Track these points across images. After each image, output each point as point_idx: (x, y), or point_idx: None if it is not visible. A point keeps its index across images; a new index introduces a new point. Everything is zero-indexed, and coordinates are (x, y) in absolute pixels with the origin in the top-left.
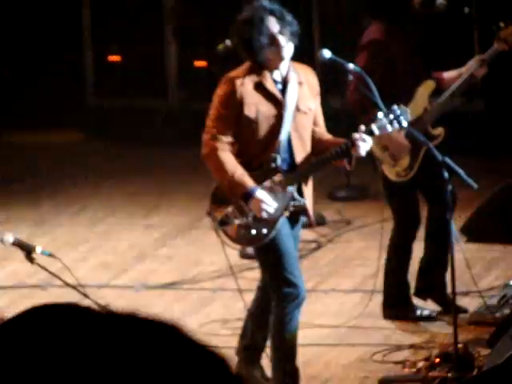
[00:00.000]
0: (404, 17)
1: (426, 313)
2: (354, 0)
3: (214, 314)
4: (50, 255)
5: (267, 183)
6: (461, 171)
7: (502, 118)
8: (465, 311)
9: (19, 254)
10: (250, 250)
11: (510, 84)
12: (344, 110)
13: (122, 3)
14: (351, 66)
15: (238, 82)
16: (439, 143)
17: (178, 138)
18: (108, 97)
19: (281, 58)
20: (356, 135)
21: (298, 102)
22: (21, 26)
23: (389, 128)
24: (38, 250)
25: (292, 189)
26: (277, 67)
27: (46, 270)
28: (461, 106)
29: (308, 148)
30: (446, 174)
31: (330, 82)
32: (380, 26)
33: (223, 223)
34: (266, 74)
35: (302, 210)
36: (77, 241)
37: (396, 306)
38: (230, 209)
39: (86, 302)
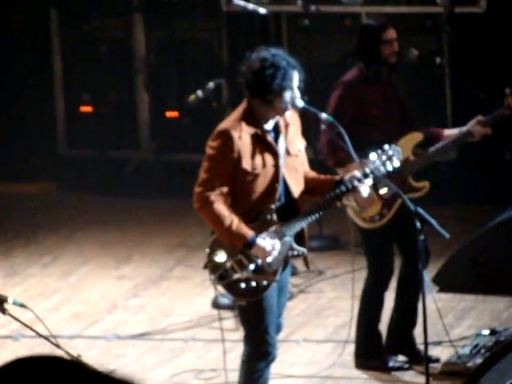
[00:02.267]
0: (375, 63)
1: (397, 364)
2: (326, 51)
3: (186, 364)
4: (22, 306)
5: (264, 235)
6: (433, 221)
7: (474, 167)
8: (436, 361)
9: None
10: (222, 300)
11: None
12: (316, 159)
13: (93, 53)
14: (324, 115)
15: (235, 134)
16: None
17: (151, 188)
18: (80, 147)
19: (283, 112)
20: (355, 181)
21: (288, 146)
22: None
23: (382, 169)
24: (10, 300)
25: (290, 239)
26: (273, 118)
27: (18, 320)
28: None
29: (302, 192)
30: (419, 224)
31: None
32: (358, 69)
33: (222, 278)
34: (260, 123)
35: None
36: (49, 291)
37: (368, 356)
38: (228, 263)
39: (57, 353)
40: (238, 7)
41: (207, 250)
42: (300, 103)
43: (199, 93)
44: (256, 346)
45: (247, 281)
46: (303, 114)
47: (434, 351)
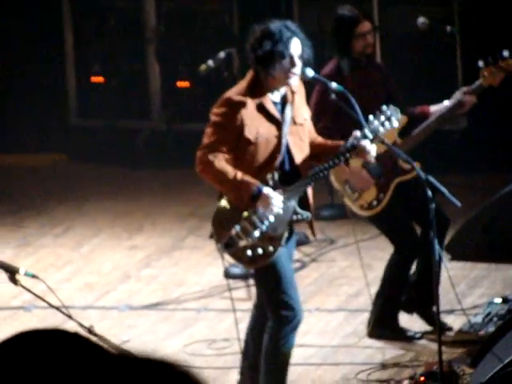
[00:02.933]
0: (348, 57)
1: (410, 334)
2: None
3: (199, 334)
4: (34, 276)
5: None
6: (444, 189)
7: (485, 135)
8: (449, 329)
9: (3, 276)
10: (234, 269)
11: (493, 100)
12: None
13: (103, 25)
14: (334, 84)
15: (240, 103)
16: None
17: (162, 158)
18: (91, 118)
19: (287, 81)
20: (361, 143)
21: (294, 115)
22: (2, 49)
23: (381, 129)
24: (22, 271)
25: (294, 203)
26: (278, 88)
27: (30, 291)
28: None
29: (307, 158)
30: (430, 193)
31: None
32: (335, 61)
33: (228, 246)
34: (265, 94)
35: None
36: (61, 262)
37: (382, 326)
38: (233, 230)
39: (69, 324)
40: None
41: (212, 220)
42: (310, 73)
43: (210, 62)
44: (278, 310)
45: (253, 247)
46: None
47: (446, 319)
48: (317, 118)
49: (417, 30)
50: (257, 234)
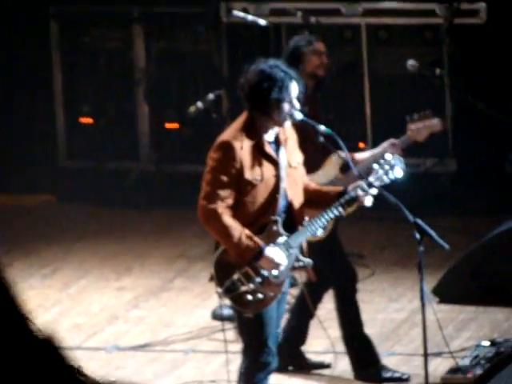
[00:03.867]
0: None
1: (396, 375)
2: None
3: (186, 375)
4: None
5: (271, 246)
6: (432, 232)
7: (474, 179)
8: (328, 366)
9: None
10: (222, 311)
11: (482, 142)
12: None
13: (93, 65)
14: (322, 127)
15: (237, 145)
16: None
17: (151, 199)
18: (80, 159)
19: (282, 123)
20: (360, 192)
21: (289, 158)
22: None
23: (385, 179)
24: None
25: (296, 250)
26: (273, 129)
27: None
28: (433, 167)
29: (303, 204)
30: (418, 235)
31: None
32: None
33: (229, 290)
34: (260, 134)
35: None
36: (49, 303)
37: (365, 365)
38: (236, 276)
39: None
40: (238, 19)
41: (213, 267)
42: (299, 116)
43: (199, 104)
44: (255, 357)
45: (254, 293)
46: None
47: (433, 362)
48: None
49: (406, 72)
50: (258, 280)
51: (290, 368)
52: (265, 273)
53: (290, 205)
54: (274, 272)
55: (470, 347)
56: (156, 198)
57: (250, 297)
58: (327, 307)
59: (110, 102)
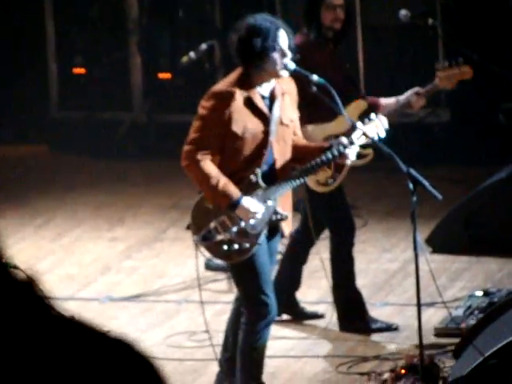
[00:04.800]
0: (316, 29)
1: (383, 325)
2: None
3: (179, 326)
4: (15, 267)
5: (249, 197)
6: (425, 182)
7: (467, 128)
8: (321, 316)
9: None
10: (216, 261)
11: (475, 92)
12: None
13: (85, 16)
14: (315, 77)
15: (229, 96)
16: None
17: (143, 149)
18: (73, 109)
19: (277, 74)
20: (342, 148)
21: (281, 114)
22: None
23: (367, 137)
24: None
25: (274, 203)
26: (268, 81)
27: None
28: (426, 117)
29: (288, 159)
30: (411, 185)
31: None
32: (302, 34)
33: (205, 238)
34: (254, 88)
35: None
36: (41, 253)
37: (352, 318)
38: (212, 224)
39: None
40: None
41: (191, 211)
42: (291, 65)
43: (192, 54)
44: (252, 306)
45: (230, 243)
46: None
47: (426, 312)
48: None
49: (398, 22)
50: (235, 229)
51: (285, 316)
52: (241, 223)
53: (274, 160)
54: (251, 222)
55: (463, 297)
56: (148, 148)
57: (225, 246)
58: (321, 257)
59: (102, 52)
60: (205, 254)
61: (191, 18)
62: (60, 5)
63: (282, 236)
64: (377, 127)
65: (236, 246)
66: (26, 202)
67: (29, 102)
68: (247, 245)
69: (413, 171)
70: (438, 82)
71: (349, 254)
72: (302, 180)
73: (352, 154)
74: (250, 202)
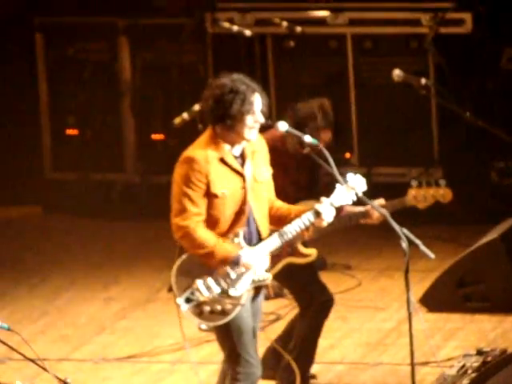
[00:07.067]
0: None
1: None
2: (312, 72)
3: None
4: (9, 329)
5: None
6: (419, 242)
7: (460, 187)
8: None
9: None
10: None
11: (468, 151)
12: None
13: (79, 76)
14: (308, 138)
15: (202, 159)
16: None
17: (137, 210)
18: (66, 170)
19: (248, 137)
20: (321, 208)
21: (255, 172)
22: None
23: (347, 199)
24: None
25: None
26: (238, 143)
27: (5, 343)
28: (419, 176)
29: (267, 217)
30: (404, 245)
31: None
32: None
33: (188, 300)
34: (225, 148)
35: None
36: (36, 314)
37: None
38: (195, 285)
39: (45, 376)
40: (224, 29)
41: (173, 275)
42: (283, 126)
43: (185, 115)
44: (237, 367)
45: (212, 304)
46: None
47: (421, 372)
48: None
49: (392, 81)
50: (217, 290)
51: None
52: (224, 284)
53: (254, 219)
54: (257, 270)
55: (457, 357)
56: (142, 208)
57: (207, 308)
58: None
59: (95, 113)
60: (187, 317)
61: (184, 79)
62: (53, 65)
63: (269, 297)
64: (353, 189)
65: (218, 308)
66: (20, 262)
67: (22, 164)
68: (229, 306)
69: (406, 231)
70: (408, 199)
71: (319, 327)
72: (282, 241)
73: (329, 215)
74: (249, 256)
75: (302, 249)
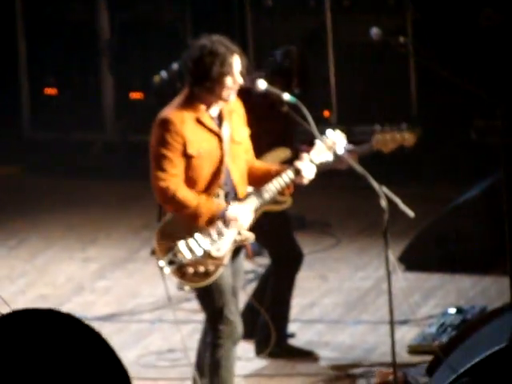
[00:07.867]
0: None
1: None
2: (290, 30)
3: (153, 345)
4: None
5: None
6: (398, 200)
7: (439, 145)
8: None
9: None
10: None
11: (447, 109)
12: None
13: (57, 36)
14: (286, 96)
15: (178, 120)
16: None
17: (116, 170)
18: (45, 130)
19: (226, 98)
20: (300, 165)
21: (232, 133)
22: None
23: (327, 155)
24: None
25: None
26: (216, 103)
27: None
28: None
29: (246, 178)
30: (384, 203)
31: None
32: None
33: (171, 262)
34: (202, 109)
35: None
36: (15, 274)
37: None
38: (177, 247)
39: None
40: None
41: (155, 237)
42: (262, 85)
43: (163, 74)
44: (218, 326)
45: (195, 265)
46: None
47: (400, 330)
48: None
49: (370, 40)
50: (200, 252)
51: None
52: (205, 246)
53: (232, 179)
54: (244, 225)
55: (437, 315)
56: (121, 168)
57: (190, 269)
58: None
59: (74, 72)
60: (170, 278)
61: (162, 38)
62: (32, 25)
63: (249, 257)
64: (333, 144)
65: (202, 269)
66: None
67: (1, 124)
68: (212, 267)
69: (385, 189)
70: (374, 143)
71: (290, 284)
72: (262, 200)
73: (309, 172)
74: (235, 210)
75: (278, 196)
